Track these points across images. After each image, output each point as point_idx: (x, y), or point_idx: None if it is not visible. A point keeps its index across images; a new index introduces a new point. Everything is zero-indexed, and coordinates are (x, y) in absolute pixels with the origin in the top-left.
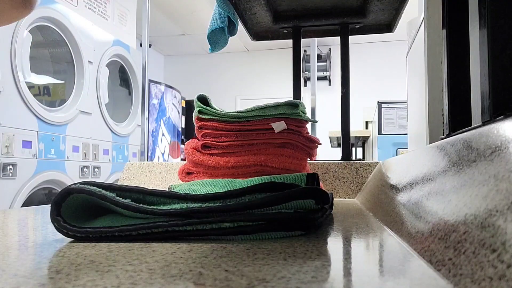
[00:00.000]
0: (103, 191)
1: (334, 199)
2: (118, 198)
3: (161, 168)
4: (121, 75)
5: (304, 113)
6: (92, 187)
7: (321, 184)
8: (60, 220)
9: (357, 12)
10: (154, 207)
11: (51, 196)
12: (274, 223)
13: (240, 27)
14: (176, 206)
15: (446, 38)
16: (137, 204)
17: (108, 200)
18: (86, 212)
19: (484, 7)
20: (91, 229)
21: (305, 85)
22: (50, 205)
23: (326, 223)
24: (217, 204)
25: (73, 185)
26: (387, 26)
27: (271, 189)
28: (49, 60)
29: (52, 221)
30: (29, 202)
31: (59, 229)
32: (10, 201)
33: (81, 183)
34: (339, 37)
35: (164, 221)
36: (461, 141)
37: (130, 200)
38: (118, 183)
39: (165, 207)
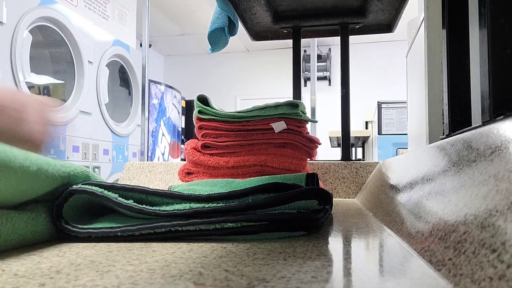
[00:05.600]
0: (105, 192)
1: (334, 199)
2: (120, 199)
3: (161, 168)
4: (121, 75)
5: (304, 113)
6: (94, 188)
7: (320, 183)
8: (62, 221)
9: (357, 12)
10: (157, 208)
11: None
12: (277, 224)
13: (240, 27)
14: (179, 206)
15: (446, 38)
16: (140, 206)
17: (111, 201)
18: (88, 212)
19: (484, 7)
20: (93, 230)
21: (305, 85)
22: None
23: (326, 223)
24: (220, 205)
25: (75, 186)
26: (387, 26)
27: (274, 189)
28: (49, 60)
29: (53, 223)
30: None
31: (60, 231)
32: None
33: (83, 183)
34: (339, 37)
35: (167, 221)
36: (461, 141)
37: (132, 201)
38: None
39: (168, 208)
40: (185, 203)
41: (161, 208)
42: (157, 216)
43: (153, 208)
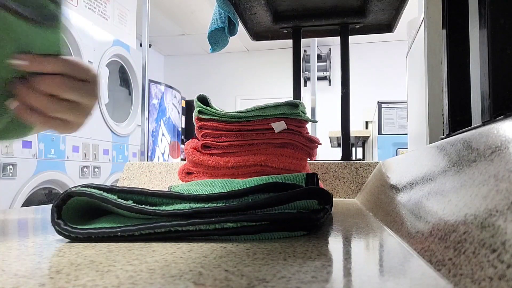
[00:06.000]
0: (104, 194)
1: (334, 199)
2: (120, 200)
3: (161, 168)
4: (121, 75)
5: (304, 113)
6: (93, 190)
7: (320, 183)
8: (61, 223)
9: (357, 12)
10: (157, 208)
11: (51, 196)
12: (277, 223)
13: (240, 27)
14: (179, 206)
15: (446, 38)
16: (140, 206)
17: (110, 202)
18: (87, 214)
19: (484, 7)
20: (93, 231)
21: (305, 85)
22: (50, 204)
23: (326, 223)
24: (220, 205)
25: (74, 188)
26: (387, 26)
27: (274, 189)
28: None
29: (53, 225)
30: (29, 202)
31: (60, 232)
32: (10, 201)
33: (82, 186)
34: (339, 37)
35: (167, 221)
36: (461, 141)
37: (132, 202)
38: (118, 183)
39: (168, 208)
40: (185, 203)
41: (161, 208)
42: (157, 216)
43: (153, 208)
